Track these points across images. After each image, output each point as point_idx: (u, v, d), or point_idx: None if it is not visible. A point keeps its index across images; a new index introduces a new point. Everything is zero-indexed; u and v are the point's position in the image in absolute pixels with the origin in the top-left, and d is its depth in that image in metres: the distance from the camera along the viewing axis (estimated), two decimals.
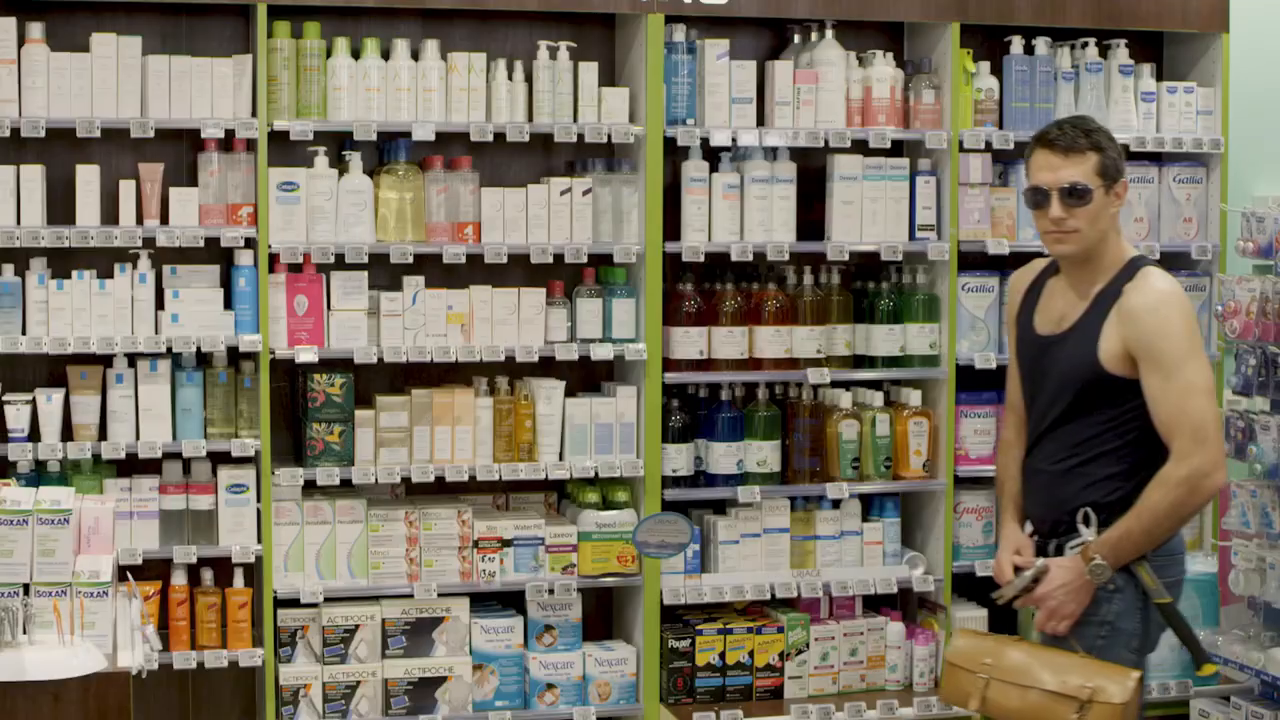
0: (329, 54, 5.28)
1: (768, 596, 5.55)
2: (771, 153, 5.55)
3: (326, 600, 5.27)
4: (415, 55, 5.36)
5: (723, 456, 5.51)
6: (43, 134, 5.06)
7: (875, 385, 5.73)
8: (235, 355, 5.25)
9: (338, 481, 5.25)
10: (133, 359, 5.15)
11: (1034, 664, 3.94)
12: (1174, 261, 5.87)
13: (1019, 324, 4.22)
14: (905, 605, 5.76)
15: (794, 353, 5.51)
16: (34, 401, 5.09)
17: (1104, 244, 4.02)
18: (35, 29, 5.10)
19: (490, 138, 5.34)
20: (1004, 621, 5.84)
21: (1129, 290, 3.96)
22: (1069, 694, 3.85)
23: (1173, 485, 3.87)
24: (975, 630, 4.23)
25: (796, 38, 5.68)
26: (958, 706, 4.09)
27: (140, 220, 5.18)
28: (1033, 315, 4.16)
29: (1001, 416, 5.70)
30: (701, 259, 5.47)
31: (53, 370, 5.25)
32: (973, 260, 5.71)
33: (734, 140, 5.47)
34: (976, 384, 5.73)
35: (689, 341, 5.45)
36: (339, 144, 5.37)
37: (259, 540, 5.21)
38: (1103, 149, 4.00)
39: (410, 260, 5.29)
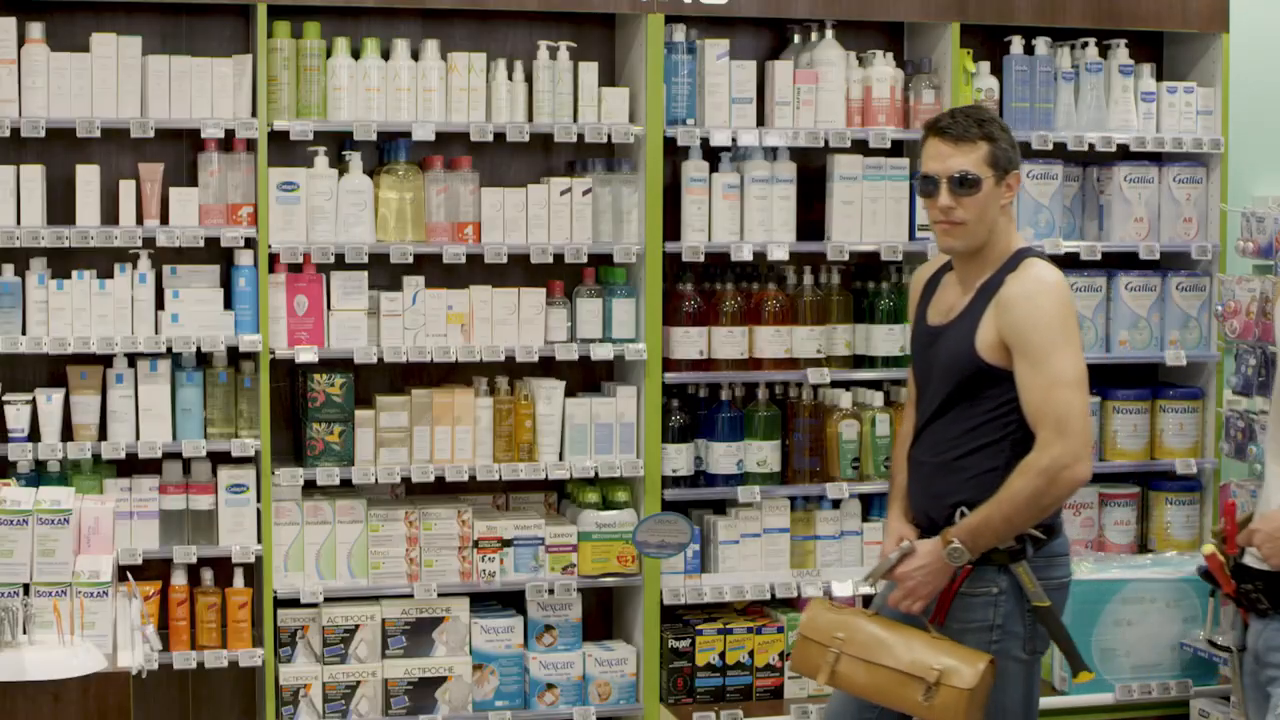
0: (329, 54, 5.28)
1: (768, 596, 5.55)
2: (771, 153, 5.55)
3: (326, 600, 5.27)
4: (415, 55, 5.36)
5: (723, 456, 5.51)
6: (43, 134, 5.07)
7: (875, 385, 5.73)
8: (235, 355, 5.25)
9: (338, 481, 5.25)
10: (133, 359, 5.15)
11: (886, 641, 3.90)
12: (1174, 261, 5.87)
13: (915, 317, 4.17)
14: None
15: (794, 353, 5.51)
16: (34, 401, 5.09)
17: (993, 236, 3.96)
18: (35, 29, 5.10)
19: (490, 138, 5.34)
20: None
21: (1009, 280, 3.92)
22: (918, 675, 3.82)
23: (1033, 474, 3.81)
24: (830, 602, 4.12)
25: (796, 38, 5.68)
26: (807, 677, 4.07)
27: (140, 220, 5.18)
28: (925, 309, 4.11)
29: None
30: (701, 259, 5.47)
31: (53, 370, 5.25)
32: None
33: (734, 140, 5.46)
34: None
35: (689, 341, 5.45)
36: (339, 144, 5.37)
37: (259, 540, 5.21)
38: (994, 139, 3.94)
39: (410, 260, 5.29)
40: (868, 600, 5.70)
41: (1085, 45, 5.75)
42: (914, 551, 3.95)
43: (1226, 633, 3.76)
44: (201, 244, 5.19)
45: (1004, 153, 3.95)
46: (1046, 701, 5.45)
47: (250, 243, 5.19)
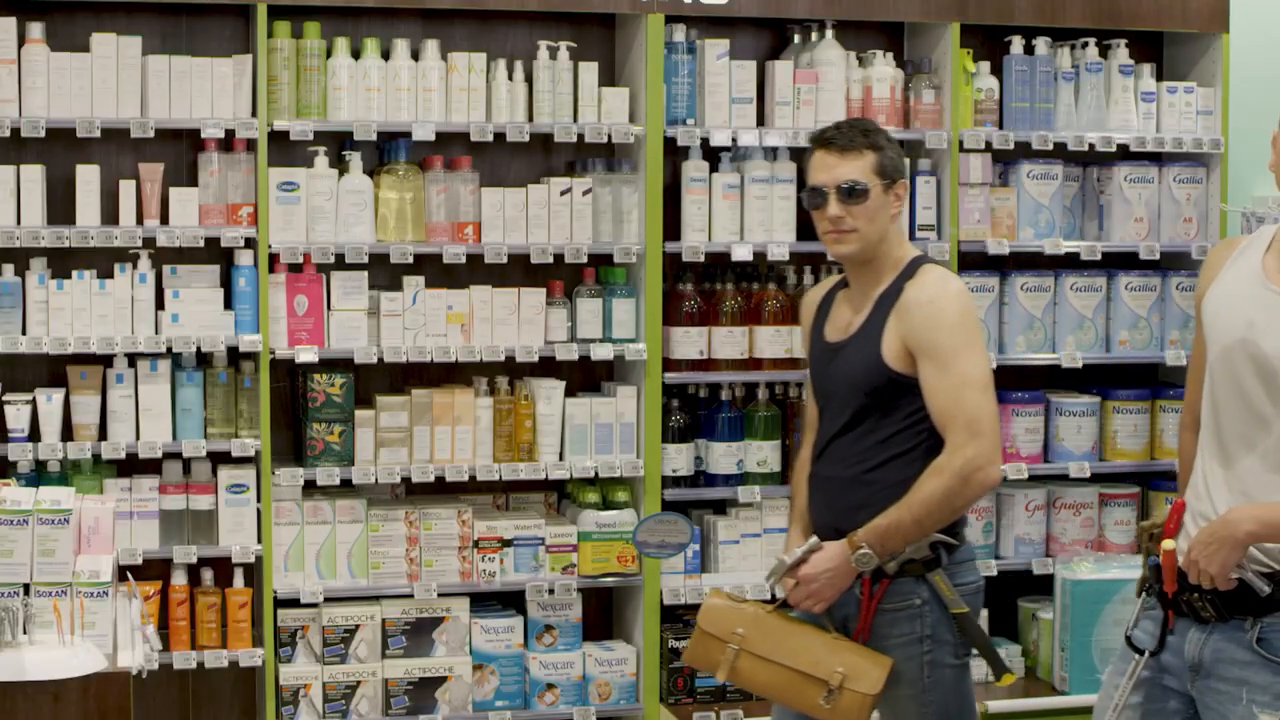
0: (329, 54, 5.28)
1: (768, 597, 5.53)
2: (771, 153, 5.55)
3: (326, 600, 5.27)
4: (415, 55, 5.36)
5: (723, 456, 5.51)
6: (43, 134, 5.07)
7: None
8: (235, 355, 5.25)
9: (338, 481, 5.25)
10: (133, 359, 5.15)
11: (787, 640, 3.85)
12: (1174, 261, 5.87)
13: (811, 338, 4.12)
14: None
15: (794, 352, 5.51)
16: (34, 401, 5.09)
17: (884, 245, 3.94)
18: (35, 29, 5.10)
19: (490, 138, 5.34)
20: (1006, 624, 5.84)
21: (908, 287, 3.88)
22: (820, 676, 3.77)
23: (947, 475, 3.77)
24: (730, 594, 4.01)
25: (796, 38, 5.68)
26: (705, 672, 3.97)
27: (140, 220, 5.18)
28: (823, 326, 4.07)
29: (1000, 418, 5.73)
30: (701, 259, 5.47)
31: (53, 370, 5.25)
32: (973, 260, 5.71)
33: (734, 140, 5.46)
34: None
35: (689, 341, 5.45)
36: (339, 144, 5.37)
37: (259, 540, 5.21)
38: (881, 148, 3.92)
39: (410, 260, 5.29)
40: None
41: (1085, 45, 5.75)
42: (820, 550, 3.89)
43: (1143, 627, 3.57)
44: (201, 244, 5.19)
45: (891, 162, 3.93)
46: (1047, 701, 5.47)
47: (250, 243, 5.19)
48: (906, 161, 4.00)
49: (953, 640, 3.88)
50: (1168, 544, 3.43)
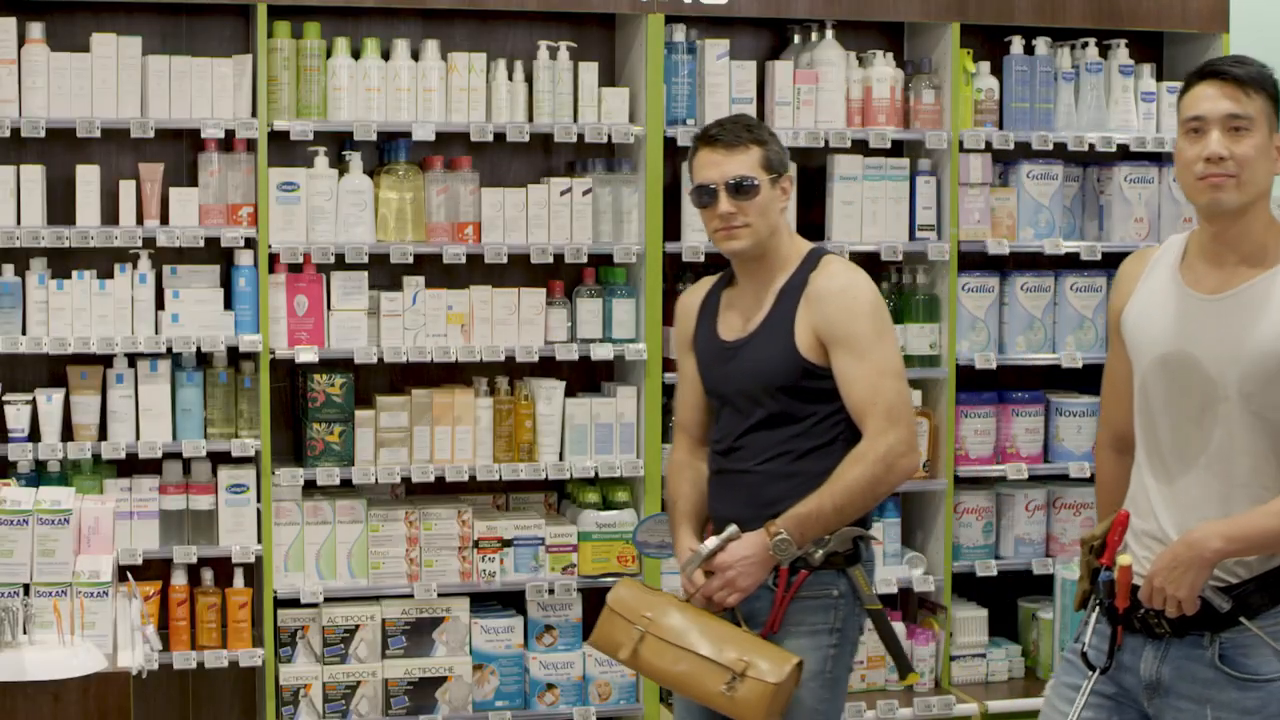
0: (329, 54, 5.28)
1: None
2: None
3: (326, 600, 5.27)
4: (415, 55, 5.36)
5: None
6: (43, 134, 5.07)
7: None
8: (235, 355, 5.25)
9: (338, 481, 5.25)
10: (133, 359, 5.15)
11: (694, 629, 3.77)
12: None
13: (699, 338, 4.03)
14: (905, 605, 5.76)
15: None
16: (34, 401, 5.09)
17: (776, 239, 3.90)
18: (35, 29, 5.10)
19: (490, 138, 5.34)
20: (1006, 624, 5.85)
21: (815, 278, 3.86)
22: (723, 663, 3.70)
23: (870, 461, 3.75)
24: (642, 583, 3.99)
25: (796, 38, 5.68)
26: (607, 655, 3.91)
27: (140, 220, 5.18)
28: (715, 326, 3.99)
29: (997, 417, 5.73)
30: (702, 259, 5.46)
31: (53, 370, 5.25)
32: (973, 260, 5.71)
33: None
34: (976, 384, 5.73)
35: None
36: (339, 144, 5.37)
37: (259, 540, 5.21)
38: (765, 143, 3.88)
39: (410, 260, 5.29)
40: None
41: (1085, 45, 5.75)
42: (737, 539, 3.82)
43: (1094, 643, 3.47)
44: (201, 244, 5.19)
45: (776, 156, 3.90)
46: None
47: (250, 243, 5.19)
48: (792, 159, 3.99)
49: (854, 640, 3.87)
50: (1123, 559, 3.36)
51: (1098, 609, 3.43)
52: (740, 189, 3.85)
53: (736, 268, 3.99)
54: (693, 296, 4.12)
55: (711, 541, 3.85)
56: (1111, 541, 3.43)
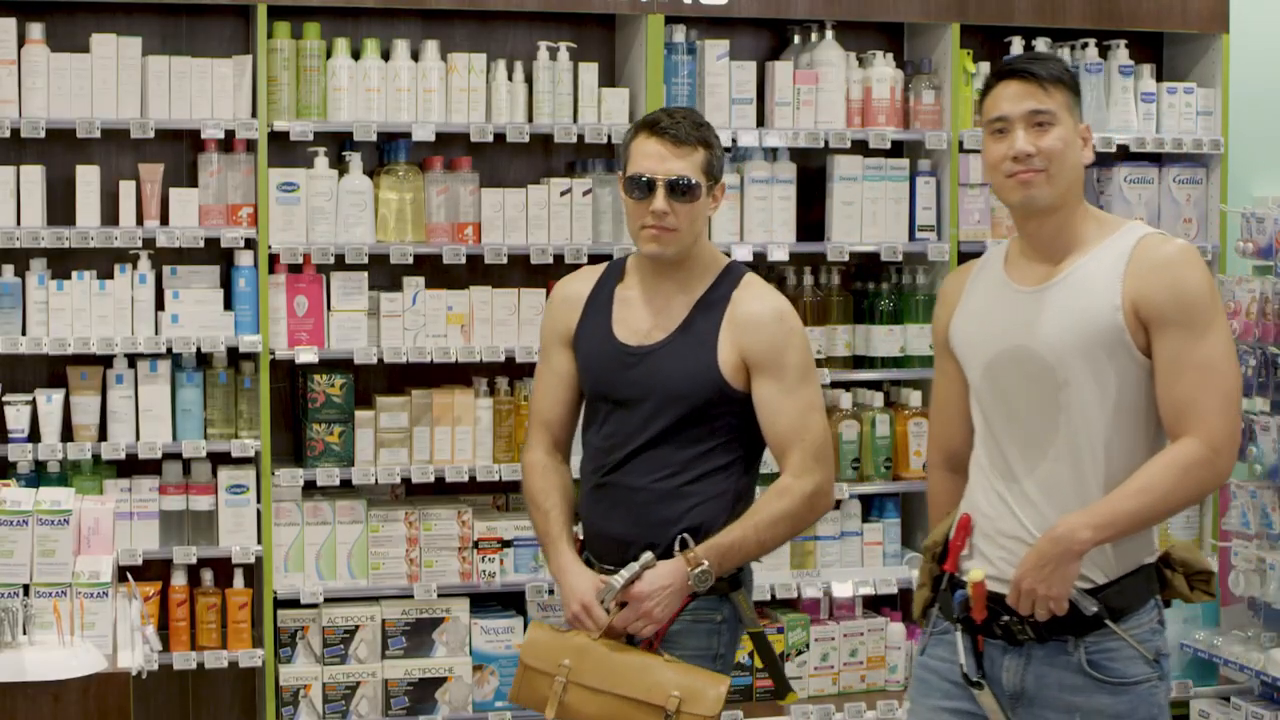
0: (329, 54, 5.28)
1: (768, 597, 5.55)
2: (771, 153, 5.55)
3: (326, 601, 5.27)
4: (415, 56, 5.36)
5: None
6: (43, 134, 5.07)
7: (875, 386, 5.73)
8: (235, 356, 5.25)
9: (338, 482, 5.25)
10: (133, 359, 5.15)
11: (617, 667, 3.59)
12: None
13: (585, 335, 3.80)
14: (905, 605, 5.76)
15: None
16: (34, 402, 5.09)
17: (698, 247, 3.72)
18: (35, 29, 5.10)
19: (490, 138, 5.34)
20: None
21: (742, 298, 3.70)
22: (655, 702, 3.54)
23: (797, 498, 3.64)
24: (551, 625, 3.75)
25: (796, 38, 5.68)
26: (533, 710, 3.71)
27: (140, 221, 5.18)
28: (609, 326, 3.77)
29: None
30: None
31: (53, 371, 5.25)
32: None
33: (734, 141, 5.46)
34: None
35: None
36: (339, 144, 5.37)
37: (259, 541, 5.21)
38: (711, 146, 3.70)
39: (410, 261, 5.29)
40: (875, 602, 5.74)
41: (1085, 46, 5.75)
42: (654, 568, 3.63)
43: (968, 661, 3.39)
44: (201, 244, 5.19)
45: (718, 161, 3.72)
46: None
47: (250, 243, 5.19)
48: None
49: (732, 663, 3.76)
50: (974, 575, 3.29)
51: (957, 620, 3.35)
52: (680, 190, 3.65)
53: (641, 268, 3.78)
54: (577, 286, 3.88)
55: (627, 570, 3.64)
56: (954, 546, 3.38)
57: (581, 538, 3.85)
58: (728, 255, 3.87)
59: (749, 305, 3.69)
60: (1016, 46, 5.69)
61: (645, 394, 3.70)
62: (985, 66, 5.66)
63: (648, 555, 3.64)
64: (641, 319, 3.75)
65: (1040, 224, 3.32)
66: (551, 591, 5.39)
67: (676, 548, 3.63)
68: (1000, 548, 3.31)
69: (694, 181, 3.65)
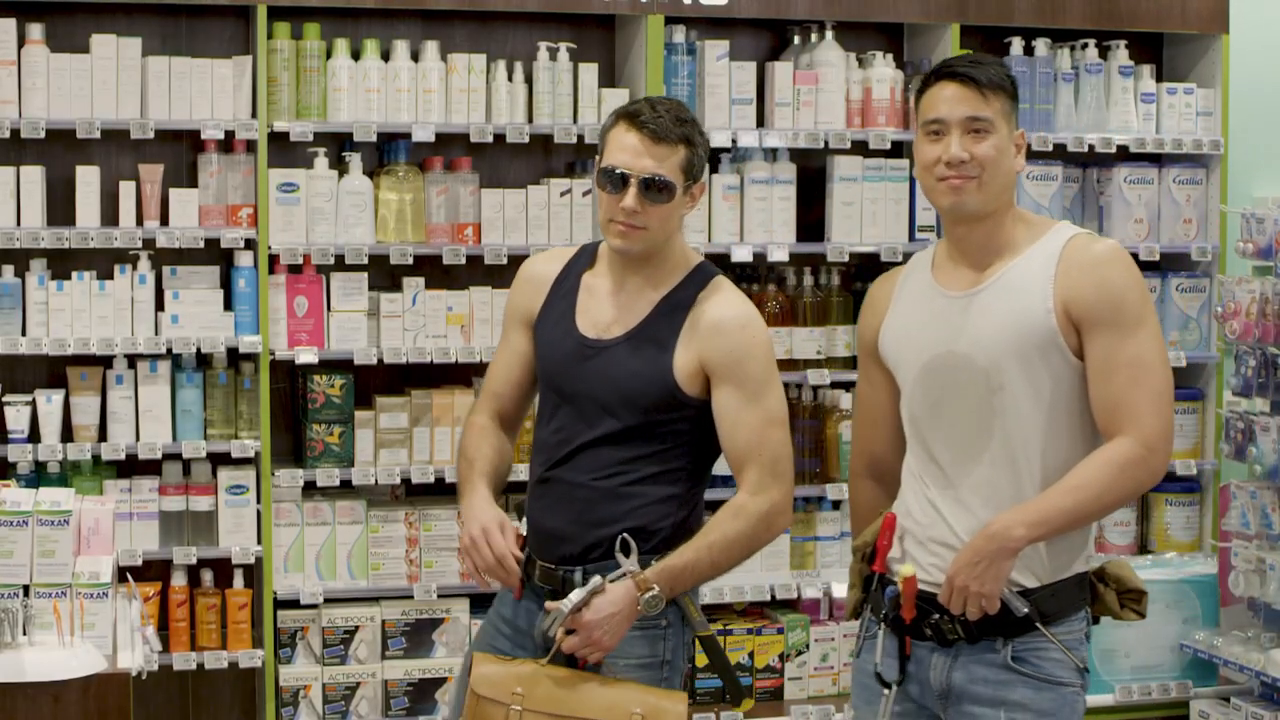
0: (329, 55, 5.28)
1: (768, 598, 5.55)
2: (771, 154, 5.55)
3: (326, 601, 5.27)
4: (415, 56, 5.36)
5: (723, 458, 5.49)
6: (43, 135, 5.07)
7: None
8: (235, 356, 5.25)
9: (337, 482, 5.25)
10: (133, 360, 5.15)
11: (572, 692, 3.44)
12: (1174, 262, 5.88)
13: (548, 320, 3.64)
14: None
15: (794, 354, 5.51)
16: (34, 402, 5.09)
17: (669, 245, 3.55)
18: (35, 30, 5.10)
19: (490, 139, 5.34)
20: None
21: (705, 301, 3.53)
22: None
23: (753, 518, 3.48)
24: (497, 655, 3.57)
25: (796, 39, 5.68)
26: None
27: (140, 221, 5.18)
28: (571, 314, 3.61)
29: None
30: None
31: (53, 371, 5.25)
32: None
33: (734, 141, 5.47)
34: None
35: None
36: (339, 145, 5.37)
37: (259, 541, 5.21)
38: (693, 144, 3.50)
39: (410, 261, 5.29)
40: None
41: (1085, 46, 5.75)
42: (603, 593, 3.45)
43: (885, 661, 3.37)
44: (201, 245, 5.19)
45: (699, 160, 3.52)
46: None
47: (250, 244, 5.19)
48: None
49: (683, 669, 3.63)
50: (906, 570, 3.27)
51: (885, 622, 3.34)
52: (654, 188, 3.46)
53: (610, 258, 3.61)
54: (546, 266, 3.72)
55: (575, 595, 3.45)
56: (881, 546, 3.36)
57: (524, 533, 3.70)
58: (703, 257, 3.69)
59: (712, 312, 3.52)
60: (1016, 47, 5.69)
61: (596, 391, 3.55)
62: None
63: (596, 579, 3.46)
64: (604, 311, 3.60)
65: (970, 229, 3.31)
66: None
67: (617, 548, 3.48)
68: (932, 554, 3.31)
69: (669, 181, 3.47)
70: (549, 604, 3.49)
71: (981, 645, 3.26)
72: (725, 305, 3.54)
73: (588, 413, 3.56)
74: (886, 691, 3.33)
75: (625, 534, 3.48)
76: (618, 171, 3.47)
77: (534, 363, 3.71)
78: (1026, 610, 3.22)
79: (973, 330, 3.27)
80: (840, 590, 5.57)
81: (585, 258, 3.68)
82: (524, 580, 3.59)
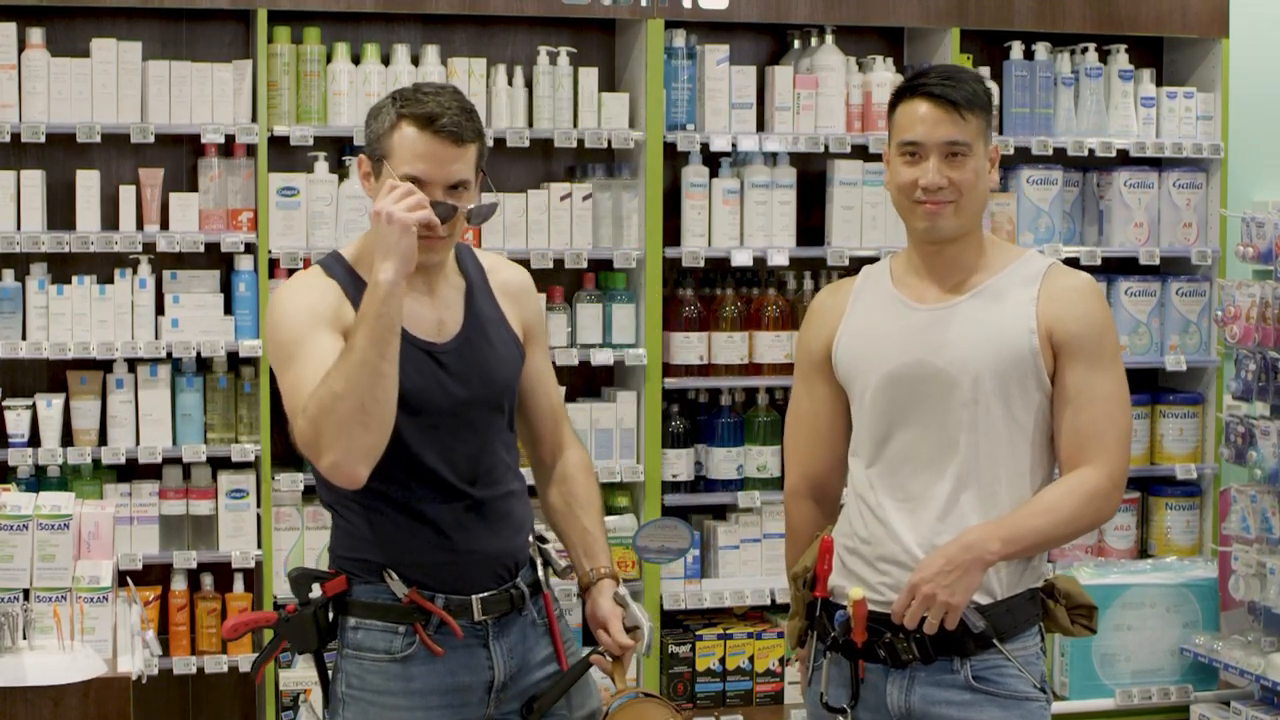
0: (329, 59, 5.28)
1: (768, 602, 5.55)
2: (771, 158, 5.56)
3: None
4: (415, 60, 5.36)
5: (723, 461, 5.51)
6: (43, 139, 5.07)
7: None
8: (235, 360, 5.25)
9: None
10: (133, 364, 5.15)
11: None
12: (1174, 266, 5.88)
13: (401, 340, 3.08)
14: None
15: (794, 358, 5.50)
16: (34, 407, 5.09)
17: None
18: (35, 34, 5.10)
19: (490, 143, 5.33)
20: None
21: (494, 268, 3.32)
22: None
23: (591, 475, 3.44)
24: (659, 697, 3.47)
25: (796, 43, 5.68)
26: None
27: (140, 225, 5.18)
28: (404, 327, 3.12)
29: None
30: (701, 264, 5.47)
31: (53, 375, 5.25)
32: None
33: (734, 145, 5.47)
34: None
35: (689, 346, 5.45)
36: (339, 149, 5.37)
37: (259, 545, 5.21)
38: (482, 137, 3.18)
39: None
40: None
41: (1085, 50, 5.76)
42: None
43: (830, 689, 3.30)
44: (202, 249, 5.19)
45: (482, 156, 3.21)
46: None
47: (250, 248, 5.19)
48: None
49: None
50: (855, 593, 3.20)
51: (832, 649, 3.28)
52: (458, 190, 3.14)
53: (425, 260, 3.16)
54: (323, 294, 3.18)
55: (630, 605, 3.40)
56: (821, 571, 3.30)
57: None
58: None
59: (512, 276, 3.35)
60: (1016, 51, 5.69)
61: (471, 393, 3.24)
62: (985, 71, 5.66)
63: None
64: (426, 316, 3.21)
65: (941, 246, 3.26)
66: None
67: (537, 549, 3.35)
68: (882, 573, 3.23)
69: (467, 179, 3.15)
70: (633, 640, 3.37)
71: (938, 665, 3.19)
72: (515, 270, 3.39)
73: (461, 422, 3.22)
74: (839, 719, 3.27)
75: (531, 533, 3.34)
76: (418, 179, 3.09)
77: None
78: (983, 626, 3.16)
79: (947, 343, 3.21)
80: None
81: (331, 268, 3.22)
82: (434, 634, 3.19)
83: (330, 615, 3.25)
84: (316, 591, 3.24)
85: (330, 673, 3.31)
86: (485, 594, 3.22)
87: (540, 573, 3.35)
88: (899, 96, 3.25)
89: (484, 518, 3.22)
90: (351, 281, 3.18)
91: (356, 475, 3.03)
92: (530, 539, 3.33)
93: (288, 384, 3.12)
